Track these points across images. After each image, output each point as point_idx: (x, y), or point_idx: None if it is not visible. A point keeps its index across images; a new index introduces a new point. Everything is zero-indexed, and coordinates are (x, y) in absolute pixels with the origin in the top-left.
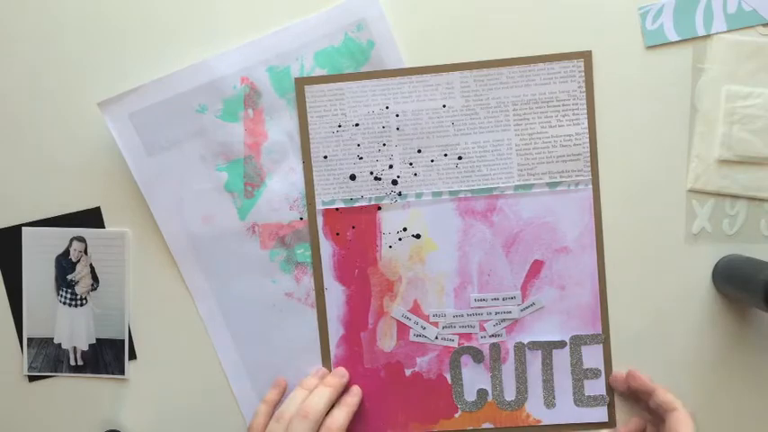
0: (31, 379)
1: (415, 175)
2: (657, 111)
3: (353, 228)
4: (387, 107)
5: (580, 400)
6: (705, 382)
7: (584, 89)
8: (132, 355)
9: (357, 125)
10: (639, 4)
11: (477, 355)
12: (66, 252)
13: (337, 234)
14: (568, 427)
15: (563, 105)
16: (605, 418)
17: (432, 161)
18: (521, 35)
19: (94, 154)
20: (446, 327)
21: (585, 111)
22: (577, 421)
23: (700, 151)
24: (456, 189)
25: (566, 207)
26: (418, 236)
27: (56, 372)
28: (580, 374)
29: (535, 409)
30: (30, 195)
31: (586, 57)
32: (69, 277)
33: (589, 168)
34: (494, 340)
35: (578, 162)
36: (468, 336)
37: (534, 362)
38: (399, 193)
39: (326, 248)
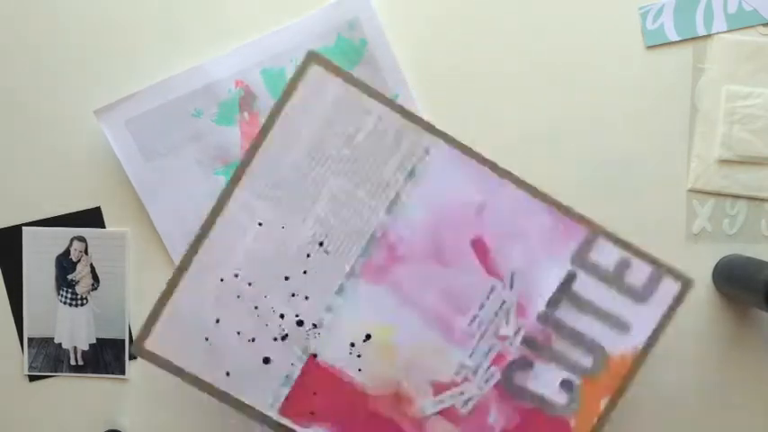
0: (32, 379)
1: (306, 298)
2: (657, 111)
3: (316, 394)
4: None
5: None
6: (705, 382)
7: None
8: (132, 355)
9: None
10: (639, 4)
11: (532, 345)
12: (67, 252)
13: (312, 413)
14: None
15: None
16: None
17: (304, 272)
18: (519, 34)
19: (95, 154)
20: (475, 371)
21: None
22: None
23: (700, 151)
24: (347, 271)
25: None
26: (368, 336)
27: (56, 371)
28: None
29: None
30: (30, 195)
31: None
32: (70, 277)
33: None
34: (526, 332)
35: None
36: (500, 357)
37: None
38: (314, 325)
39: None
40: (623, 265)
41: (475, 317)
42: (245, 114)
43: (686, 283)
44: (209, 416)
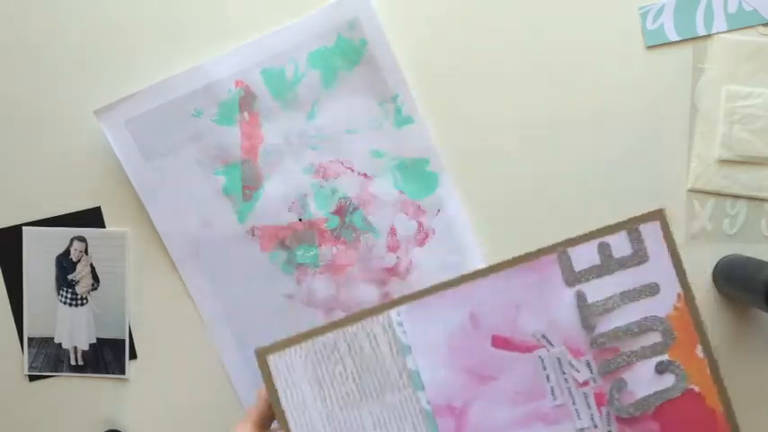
0: (32, 379)
1: None
2: (657, 111)
3: None
4: None
5: None
6: None
7: None
8: (133, 355)
9: None
10: (639, 4)
11: (609, 366)
12: (67, 252)
13: None
14: None
15: None
16: None
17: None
18: (519, 34)
19: (95, 154)
20: (594, 424)
21: None
22: None
23: (700, 151)
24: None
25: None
26: None
27: (56, 371)
28: None
29: None
30: (30, 195)
31: None
32: (70, 277)
33: None
34: (596, 363)
35: None
36: (599, 397)
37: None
38: None
39: None
40: (604, 250)
41: (552, 390)
42: (245, 114)
43: (661, 215)
44: (209, 416)
